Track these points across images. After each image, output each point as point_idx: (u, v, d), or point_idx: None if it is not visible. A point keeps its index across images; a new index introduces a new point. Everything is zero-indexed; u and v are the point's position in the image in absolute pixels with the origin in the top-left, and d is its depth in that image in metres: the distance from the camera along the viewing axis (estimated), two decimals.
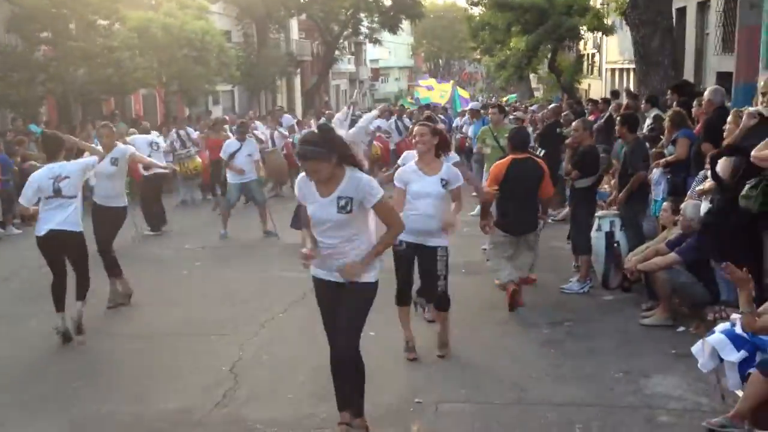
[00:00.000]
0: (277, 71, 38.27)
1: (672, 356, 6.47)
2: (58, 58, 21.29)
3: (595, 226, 8.81)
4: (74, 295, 7.50)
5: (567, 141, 9.18)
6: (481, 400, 5.73)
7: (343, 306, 4.84)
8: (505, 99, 37.07)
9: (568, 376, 6.12)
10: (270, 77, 37.65)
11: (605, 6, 26.54)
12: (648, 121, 11.31)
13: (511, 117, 14.85)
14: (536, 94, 40.42)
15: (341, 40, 46.96)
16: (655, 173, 8.99)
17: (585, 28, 26.72)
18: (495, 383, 6.02)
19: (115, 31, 22.61)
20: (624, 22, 17.13)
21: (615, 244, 8.69)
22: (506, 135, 10.78)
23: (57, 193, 7.26)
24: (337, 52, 48.34)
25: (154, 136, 15.29)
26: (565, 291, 8.62)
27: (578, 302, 8.26)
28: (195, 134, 17.29)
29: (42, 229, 7.25)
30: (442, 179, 6.36)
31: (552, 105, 16.75)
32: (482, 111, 17.08)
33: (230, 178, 12.73)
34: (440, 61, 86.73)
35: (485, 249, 9.41)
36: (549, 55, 28.25)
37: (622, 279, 8.54)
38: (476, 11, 32.67)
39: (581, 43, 35.96)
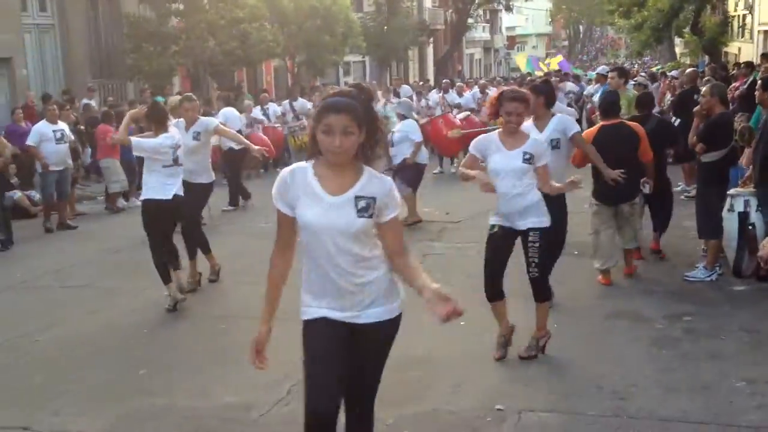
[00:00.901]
0: (407, 40, 37.51)
1: None
2: (187, 30, 21.55)
3: (726, 206, 7.76)
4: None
5: (695, 109, 8.13)
6: (571, 410, 4.97)
7: (356, 357, 3.45)
8: (656, 68, 35.22)
9: (679, 385, 5.24)
10: (400, 47, 36.98)
11: None
12: None
13: (632, 82, 13.65)
14: (683, 59, 38.01)
15: (474, 7, 45.73)
16: None
17: None
18: (591, 390, 5.22)
19: (241, 3, 22.60)
20: None
21: (750, 227, 7.64)
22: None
23: (175, 161, 7.43)
24: (470, 20, 47.22)
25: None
26: (689, 279, 7.65)
27: (703, 293, 7.30)
28: (309, 106, 16.97)
29: (169, 193, 7.39)
30: (525, 153, 5.50)
31: (689, 70, 15.37)
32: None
33: None
34: (580, 27, 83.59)
35: None
36: (692, 16, 26.15)
37: (757, 266, 7.47)
38: None
39: (730, 2, 33.33)
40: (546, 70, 32.60)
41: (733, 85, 13.95)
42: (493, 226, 5.68)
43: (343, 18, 26.37)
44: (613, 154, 7.20)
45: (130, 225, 11.77)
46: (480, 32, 59.95)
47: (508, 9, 50.51)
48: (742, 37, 35.63)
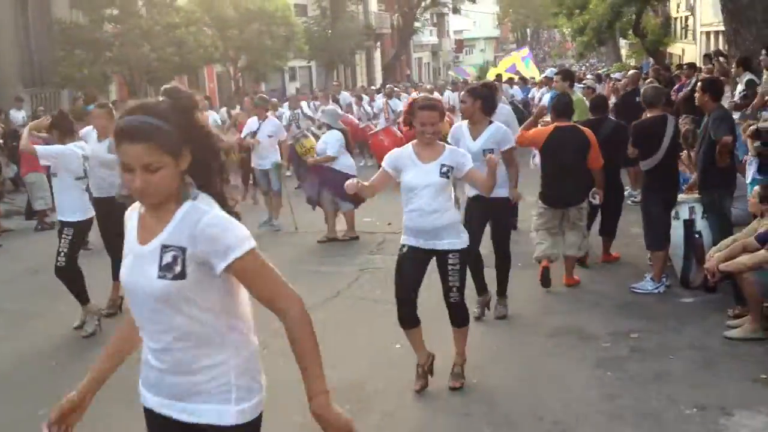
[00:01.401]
0: (352, 45, 37.01)
1: (762, 384, 5.15)
2: (121, 35, 20.88)
3: (672, 214, 7.47)
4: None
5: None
6: None
7: None
8: (602, 69, 35.16)
9: (624, 412, 4.86)
10: (346, 51, 36.49)
11: None
12: (739, 87, 9.80)
13: (579, 85, 13.40)
14: (628, 61, 38.19)
15: (421, 11, 45.48)
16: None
17: None
18: (530, 421, 4.81)
19: (177, 6, 21.97)
20: None
21: (696, 235, 7.36)
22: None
23: (85, 174, 7.07)
24: (417, 24, 46.98)
25: None
26: (636, 290, 7.31)
27: (650, 306, 6.95)
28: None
29: (90, 212, 7.08)
30: (442, 165, 5.00)
31: (630, 71, 15.20)
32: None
33: (254, 162, 11.62)
34: (528, 30, 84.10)
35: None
36: (633, 18, 26.14)
37: (705, 277, 7.19)
38: None
39: (672, 3, 33.54)
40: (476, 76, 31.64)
41: (676, 86, 13.81)
42: (402, 246, 5.19)
43: (283, 21, 25.77)
44: (563, 156, 7.18)
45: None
46: (428, 36, 59.91)
47: (456, 11, 50.37)
48: (685, 38, 35.94)
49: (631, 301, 7.13)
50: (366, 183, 5.15)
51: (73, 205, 6.93)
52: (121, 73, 21.47)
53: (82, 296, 7.00)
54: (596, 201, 7.62)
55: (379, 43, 48.01)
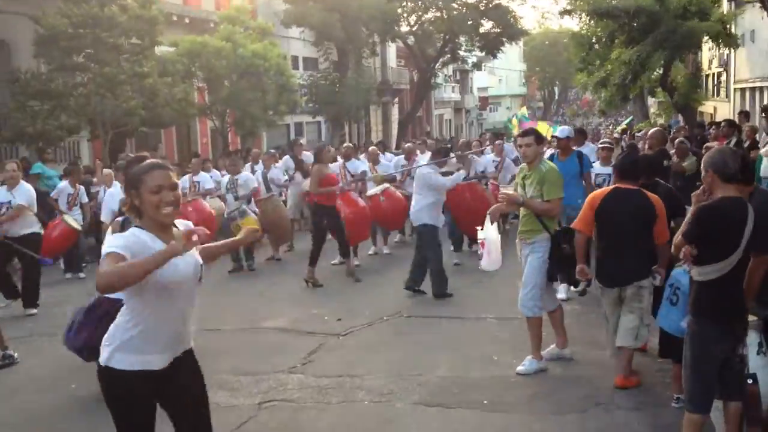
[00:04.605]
0: (362, 99, 34.42)
1: None
2: (81, 85, 18.70)
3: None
4: None
5: (694, 193, 4.76)
6: None
7: None
8: (623, 126, 32.66)
9: None
10: (358, 105, 33.94)
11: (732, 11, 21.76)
12: None
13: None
14: (657, 119, 35.54)
15: (439, 66, 43.19)
16: None
17: (707, 37, 21.78)
18: None
19: (149, 55, 19.71)
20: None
21: (749, 380, 4.61)
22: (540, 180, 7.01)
23: None
24: (438, 80, 44.87)
25: None
26: None
27: None
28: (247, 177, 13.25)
29: None
30: None
31: (653, 129, 12.47)
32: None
33: None
34: (555, 89, 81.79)
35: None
36: (661, 70, 23.15)
37: None
38: (574, 24, 28.50)
39: (704, 59, 30.92)
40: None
41: (709, 145, 11.19)
42: None
43: (274, 71, 23.32)
44: (619, 224, 6.17)
45: None
46: (449, 93, 58.11)
47: (478, 68, 48.17)
48: (718, 95, 33.24)
49: None
50: None
51: None
52: (80, 125, 19.10)
53: None
54: (656, 282, 6.36)
55: (396, 99, 45.97)
